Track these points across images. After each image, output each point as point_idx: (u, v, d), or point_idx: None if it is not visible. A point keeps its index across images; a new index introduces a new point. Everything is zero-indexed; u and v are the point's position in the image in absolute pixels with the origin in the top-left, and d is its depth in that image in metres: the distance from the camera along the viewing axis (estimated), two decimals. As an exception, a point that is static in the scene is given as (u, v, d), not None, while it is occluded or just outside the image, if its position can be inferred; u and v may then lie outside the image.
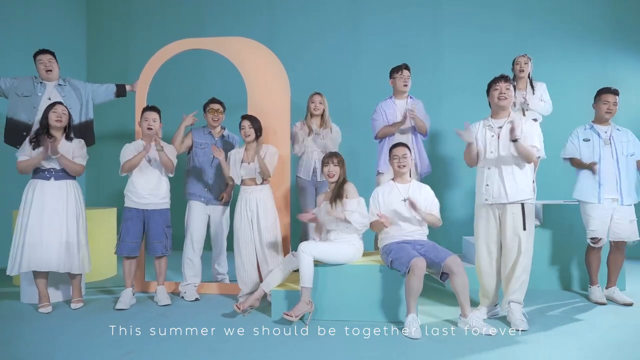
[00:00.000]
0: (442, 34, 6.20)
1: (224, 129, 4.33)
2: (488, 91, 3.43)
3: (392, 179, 3.62)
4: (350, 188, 3.52)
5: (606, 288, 3.91)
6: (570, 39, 6.01)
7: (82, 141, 3.83)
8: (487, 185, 3.34)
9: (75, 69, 6.49)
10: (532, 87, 4.41)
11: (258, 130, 3.82)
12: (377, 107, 4.37)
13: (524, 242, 3.27)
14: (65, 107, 3.73)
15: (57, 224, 3.60)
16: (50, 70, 4.05)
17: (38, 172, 3.65)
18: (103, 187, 6.69)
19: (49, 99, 4.01)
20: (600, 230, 3.75)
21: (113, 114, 6.43)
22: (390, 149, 3.59)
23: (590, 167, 3.76)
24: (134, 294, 3.83)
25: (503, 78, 3.34)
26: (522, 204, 3.28)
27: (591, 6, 6.02)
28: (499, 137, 3.33)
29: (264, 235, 3.77)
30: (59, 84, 4.11)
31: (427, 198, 3.52)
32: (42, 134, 3.63)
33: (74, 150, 3.72)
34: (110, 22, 6.77)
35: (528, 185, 3.31)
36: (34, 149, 3.60)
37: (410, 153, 3.57)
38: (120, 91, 4.43)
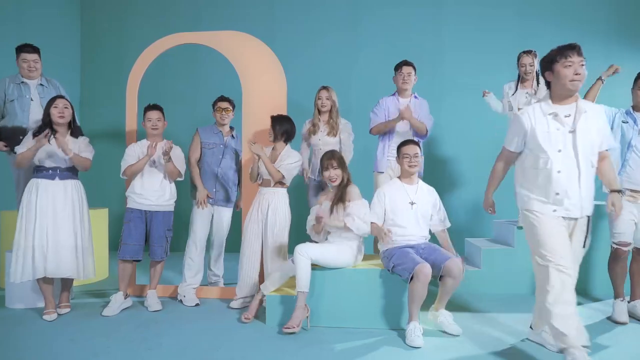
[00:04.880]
0: (443, 33, 6.07)
1: (233, 129, 4.21)
2: (545, 69, 2.64)
3: (399, 178, 3.44)
4: (354, 191, 3.37)
5: (629, 301, 3.52)
6: (573, 37, 5.84)
7: (87, 138, 3.63)
8: (558, 194, 2.60)
9: (68, 68, 6.37)
10: (538, 82, 4.19)
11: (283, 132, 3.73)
12: (380, 101, 4.19)
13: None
14: (68, 100, 3.52)
15: (67, 227, 3.42)
16: (35, 70, 3.86)
17: (42, 171, 3.43)
18: (95, 188, 6.48)
19: (32, 100, 3.83)
20: (628, 232, 3.36)
21: (103, 113, 6.31)
22: (400, 147, 3.39)
23: None
24: (126, 297, 3.65)
25: (575, 50, 2.54)
26: (589, 217, 2.71)
27: (595, 4, 5.91)
28: (575, 131, 2.58)
29: (269, 240, 3.65)
30: (40, 84, 3.91)
31: (435, 204, 3.43)
32: (46, 131, 3.42)
33: (79, 147, 3.52)
34: (104, 20, 6.62)
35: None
36: None
37: (421, 152, 3.38)
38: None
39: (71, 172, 3.52)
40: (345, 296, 3.26)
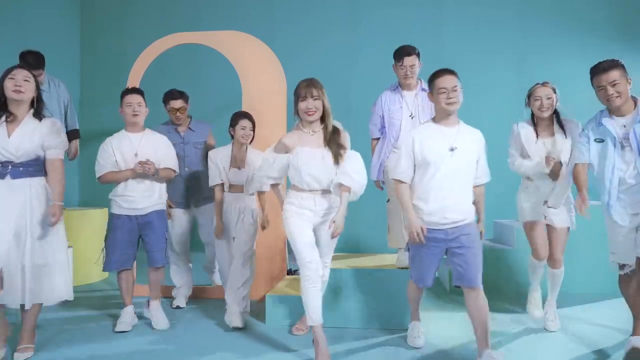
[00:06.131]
0: (443, 33, 6.07)
1: (190, 118, 3.93)
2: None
3: (433, 120, 2.70)
4: (347, 136, 2.78)
5: (632, 335, 2.75)
6: (573, 37, 5.89)
7: (58, 123, 2.83)
8: None
9: (68, 68, 6.36)
10: (564, 130, 3.13)
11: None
12: (377, 100, 3.56)
13: None
14: (30, 72, 2.72)
15: (14, 241, 2.60)
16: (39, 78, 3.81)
17: None
18: (94, 187, 6.51)
19: None
20: (623, 252, 2.71)
21: (103, 113, 6.30)
22: (433, 79, 2.63)
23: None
24: (135, 312, 3.33)
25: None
26: None
27: (595, 4, 5.91)
28: None
29: (237, 247, 3.41)
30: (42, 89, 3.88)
31: (479, 153, 2.66)
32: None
33: (44, 138, 2.68)
34: (104, 20, 6.63)
35: None
36: None
37: (460, 84, 2.63)
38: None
39: (31, 168, 2.67)
40: (346, 296, 3.26)
